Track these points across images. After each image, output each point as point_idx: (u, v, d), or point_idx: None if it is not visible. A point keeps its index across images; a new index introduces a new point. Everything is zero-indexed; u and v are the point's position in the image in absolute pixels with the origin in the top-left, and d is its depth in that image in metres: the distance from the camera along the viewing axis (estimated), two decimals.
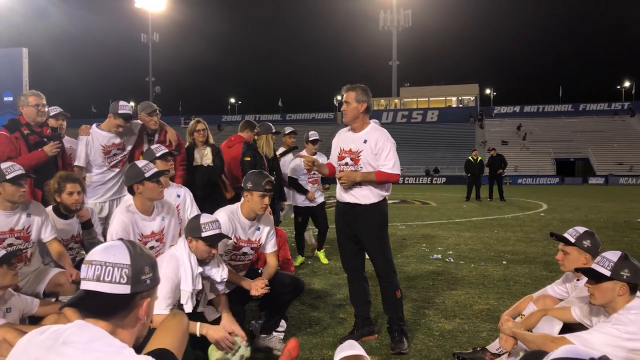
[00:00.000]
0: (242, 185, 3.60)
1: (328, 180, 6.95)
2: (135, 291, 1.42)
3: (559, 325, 2.86)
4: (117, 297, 1.40)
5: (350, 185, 3.80)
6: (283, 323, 3.91)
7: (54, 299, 3.47)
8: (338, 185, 3.95)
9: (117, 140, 4.70)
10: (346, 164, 3.86)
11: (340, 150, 3.91)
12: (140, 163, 3.46)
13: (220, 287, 3.25)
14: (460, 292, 5.38)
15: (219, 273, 3.16)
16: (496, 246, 8.36)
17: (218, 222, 3.15)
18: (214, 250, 3.10)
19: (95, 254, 1.46)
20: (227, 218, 3.51)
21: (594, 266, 2.56)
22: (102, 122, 4.75)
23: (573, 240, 3.03)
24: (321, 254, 7.00)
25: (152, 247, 3.47)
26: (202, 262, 3.09)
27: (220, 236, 3.11)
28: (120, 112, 4.57)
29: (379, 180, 3.76)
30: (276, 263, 3.73)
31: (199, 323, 2.90)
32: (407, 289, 5.36)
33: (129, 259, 1.43)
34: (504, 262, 6.95)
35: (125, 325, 1.43)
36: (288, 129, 7.09)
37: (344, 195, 3.89)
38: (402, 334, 3.77)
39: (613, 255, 2.54)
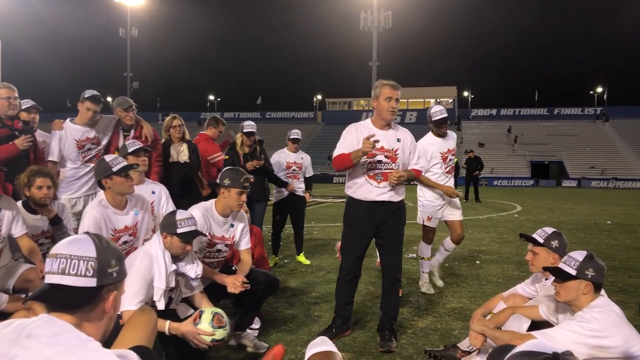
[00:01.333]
0: (219, 181, 3.59)
1: (309, 186, 6.98)
2: (102, 284, 1.41)
3: (526, 323, 2.93)
4: (83, 290, 1.39)
5: (395, 185, 3.78)
6: (257, 320, 3.92)
7: (23, 295, 3.41)
8: (365, 185, 3.81)
9: (92, 135, 4.64)
10: (379, 161, 3.79)
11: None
12: (109, 157, 3.43)
13: (195, 284, 3.23)
14: (434, 290, 5.44)
15: (193, 269, 3.15)
16: (470, 246, 8.47)
17: (194, 219, 3.14)
18: (189, 247, 3.09)
19: (60, 247, 1.44)
20: (202, 215, 3.50)
21: (561, 265, 2.63)
22: (76, 116, 4.70)
23: (541, 241, 3.10)
24: (301, 258, 6.97)
25: (125, 242, 3.44)
26: (176, 258, 3.07)
27: (196, 233, 3.10)
28: (86, 95, 4.55)
29: (418, 177, 4.03)
30: (250, 260, 3.73)
31: (168, 321, 2.88)
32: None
33: (94, 252, 1.43)
34: (477, 262, 7.06)
35: (92, 319, 1.42)
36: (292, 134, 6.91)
37: (374, 195, 3.80)
38: (393, 333, 3.82)
39: (579, 255, 2.61)
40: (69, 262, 1.40)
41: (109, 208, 3.39)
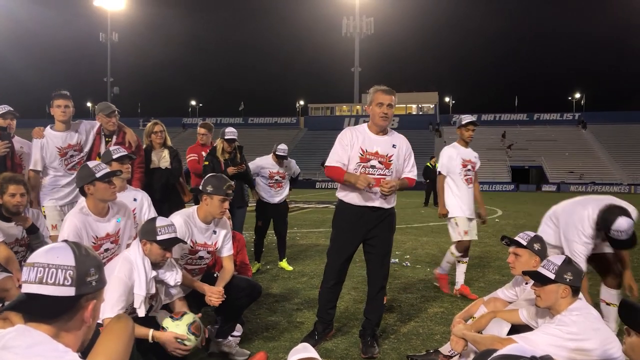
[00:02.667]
0: (202, 188, 3.56)
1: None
2: (80, 293, 1.39)
3: (507, 327, 2.96)
4: (61, 300, 1.36)
5: (387, 194, 3.76)
6: (239, 327, 3.90)
7: (0, 305, 3.35)
8: (356, 189, 3.76)
9: (73, 141, 4.59)
10: (372, 166, 3.78)
11: (364, 151, 3.78)
12: (92, 163, 3.38)
13: (174, 291, 3.21)
14: (415, 295, 5.47)
15: (173, 277, 3.12)
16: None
17: (174, 225, 3.12)
18: (168, 254, 3.06)
19: (38, 255, 1.41)
20: (183, 222, 3.47)
21: (540, 269, 2.67)
22: (54, 123, 4.64)
23: (525, 243, 3.15)
24: (284, 264, 6.95)
25: (107, 249, 3.40)
26: (156, 265, 3.04)
27: (176, 240, 3.07)
28: (54, 94, 4.54)
29: (411, 185, 3.93)
30: (232, 267, 3.71)
31: (151, 330, 2.86)
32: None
33: (73, 261, 1.40)
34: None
35: (70, 329, 1.39)
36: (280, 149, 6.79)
37: (366, 200, 3.80)
38: (375, 339, 3.82)
39: (558, 259, 2.65)
40: (47, 271, 1.36)
41: (90, 215, 3.34)
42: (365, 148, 3.78)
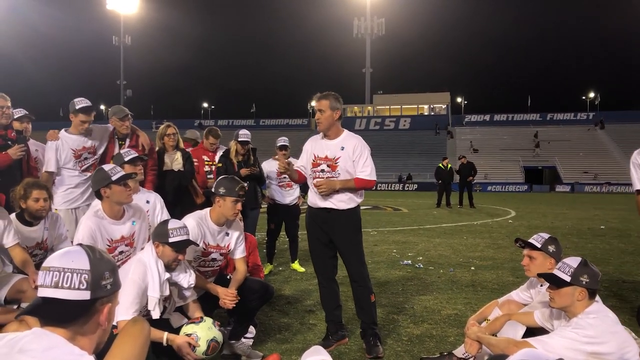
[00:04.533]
0: (214, 190, 3.57)
1: (304, 189, 6.93)
2: (96, 297, 1.40)
3: (522, 330, 2.93)
4: (77, 304, 1.37)
5: (330, 193, 3.81)
6: (252, 329, 3.90)
7: (15, 306, 3.38)
8: (312, 192, 3.96)
9: (88, 144, 4.64)
10: (322, 170, 3.88)
11: (315, 157, 3.92)
12: (107, 167, 3.41)
13: (187, 293, 3.22)
14: (429, 297, 5.44)
15: (186, 279, 3.13)
16: (465, 252, 8.48)
17: (186, 228, 3.13)
18: (181, 256, 3.07)
19: (53, 260, 1.42)
20: (196, 224, 3.49)
21: (555, 272, 2.63)
22: (70, 126, 4.68)
23: (539, 246, 3.12)
24: (296, 265, 6.96)
25: (121, 252, 3.42)
26: (169, 267, 3.06)
27: (188, 242, 3.08)
28: (78, 107, 4.53)
29: (358, 186, 3.85)
30: (245, 269, 3.72)
31: (166, 333, 2.87)
32: (377, 294, 5.37)
33: (88, 265, 1.40)
34: (472, 268, 7.06)
35: (85, 332, 1.40)
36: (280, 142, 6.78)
37: (319, 201, 3.89)
38: (376, 338, 3.80)
39: (573, 262, 2.61)
40: (62, 275, 1.37)
41: (105, 219, 3.37)
42: (316, 154, 3.93)
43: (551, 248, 3.11)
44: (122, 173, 3.36)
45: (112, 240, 3.37)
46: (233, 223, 3.69)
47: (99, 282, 1.41)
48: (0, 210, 3.58)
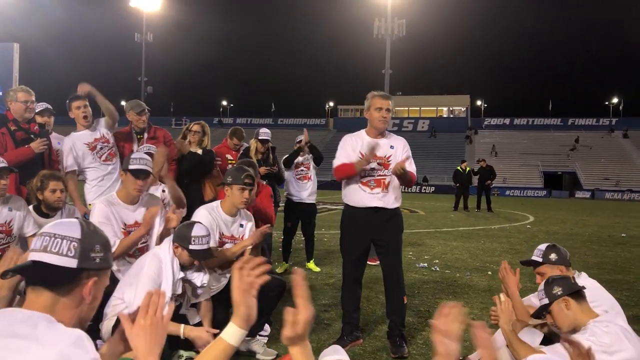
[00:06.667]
0: (223, 181, 3.65)
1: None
2: (82, 267, 1.39)
3: (539, 337, 2.88)
4: (62, 270, 1.37)
5: (400, 173, 3.74)
6: (267, 327, 3.90)
7: None
8: (355, 191, 3.90)
9: (98, 135, 4.72)
10: (372, 169, 3.88)
11: (363, 155, 3.86)
12: (135, 154, 3.55)
13: (200, 292, 3.23)
14: (444, 301, 5.40)
15: (200, 278, 3.16)
16: (482, 256, 8.41)
17: (209, 236, 3.12)
18: (197, 262, 3.10)
19: (47, 227, 1.44)
20: (209, 214, 3.55)
21: (539, 303, 2.64)
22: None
23: (541, 260, 3.08)
24: (312, 265, 6.96)
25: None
26: (183, 267, 3.08)
27: (208, 253, 3.08)
28: (68, 100, 4.68)
29: (410, 179, 3.88)
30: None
31: (182, 325, 2.89)
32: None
33: (79, 234, 1.41)
34: (489, 273, 6.98)
35: (67, 303, 1.39)
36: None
37: (367, 201, 3.87)
38: (403, 338, 3.85)
39: (542, 286, 2.64)
40: (53, 240, 1.38)
41: (120, 204, 3.46)
42: (364, 152, 3.85)
43: (553, 257, 3.06)
44: (137, 167, 3.41)
45: (126, 224, 3.43)
46: (247, 215, 3.72)
47: (88, 254, 1.40)
48: (19, 200, 3.65)
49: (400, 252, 4.04)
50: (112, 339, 1.59)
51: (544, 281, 2.68)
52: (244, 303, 1.48)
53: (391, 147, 3.93)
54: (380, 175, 3.88)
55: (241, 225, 3.68)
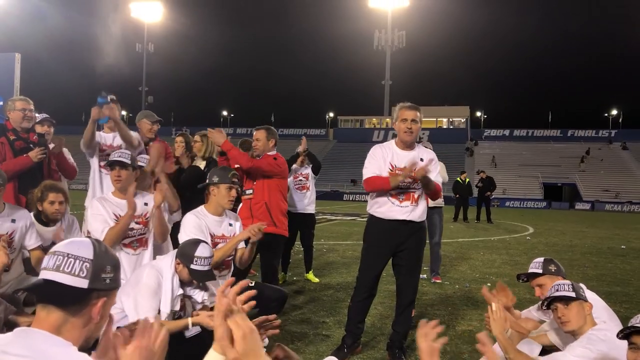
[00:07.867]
0: (208, 181, 3.67)
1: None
2: (93, 287, 1.41)
3: (538, 348, 2.88)
4: (74, 290, 1.38)
5: (423, 177, 3.67)
6: (265, 339, 3.88)
7: (31, 311, 3.41)
8: (387, 203, 3.85)
9: (115, 144, 4.73)
10: (402, 181, 3.82)
11: (393, 167, 3.85)
12: (122, 150, 3.81)
13: (199, 307, 3.22)
14: (443, 312, 5.38)
15: (201, 295, 3.14)
16: (481, 268, 8.38)
17: (211, 258, 3.09)
18: (195, 282, 3.09)
19: (60, 246, 1.45)
20: (196, 217, 3.57)
21: (559, 293, 2.64)
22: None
23: (541, 271, 3.09)
24: (310, 275, 6.94)
25: (131, 229, 3.58)
26: (183, 283, 3.07)
27: (208, 275, 3.05)
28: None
29: (437, 190, 3.88)
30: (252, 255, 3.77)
31: (189, 317, 2.90)
32: (391, 308, 5.34)
33: (92, 254, 1.42)
34: (489, 284, 6.95)
35: (76, 322, 1.40)
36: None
37: (396, 214, 3.82)
38: (402, 351, 3.87)
39: (568, 282, 2.67)
40: (66, 260, 1.40)
41: (112, 200, 3.60)
42: (394, 164, 3.84)
43: (552, 268, 3.08)
44: (112, 158, 3.63)
45: (118, 216, 3.53)
46: (233, 215, 3.76)
47: (99, 274, 1.42)
48: (23, 212, 3.64)
49: (419, 267, 4.04)
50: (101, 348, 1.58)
51: (569, 281, 2.68)
52: (222, 326, 1.31)
53: (421, 159, 3.85)
54: (410, 189, 3.82)
55: (230, 225, 3.70)
